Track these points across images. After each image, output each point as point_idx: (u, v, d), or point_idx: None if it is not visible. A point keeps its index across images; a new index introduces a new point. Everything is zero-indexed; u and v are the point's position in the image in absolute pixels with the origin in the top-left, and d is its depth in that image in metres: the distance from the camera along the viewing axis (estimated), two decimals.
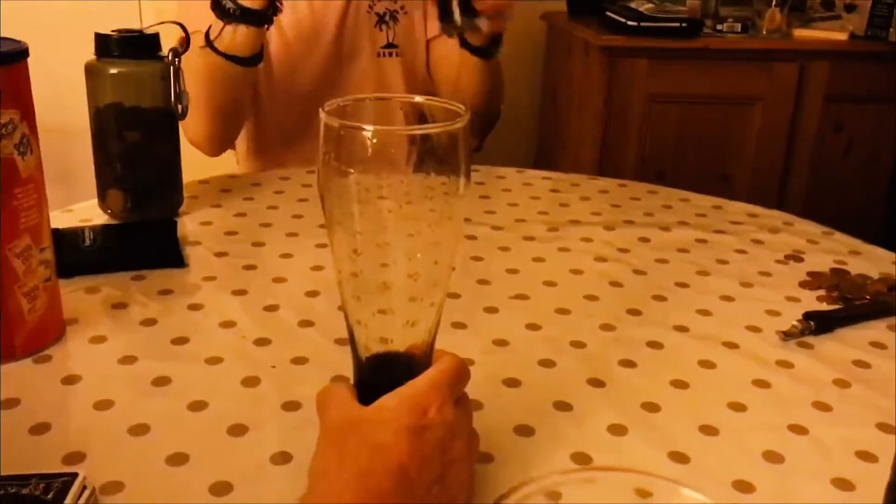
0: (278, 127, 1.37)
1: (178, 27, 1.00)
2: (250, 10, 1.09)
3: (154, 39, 0.97)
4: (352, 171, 0.47)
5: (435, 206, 0.50)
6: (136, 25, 0.98)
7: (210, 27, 1.13)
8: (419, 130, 0.47)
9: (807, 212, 1.30)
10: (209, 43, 1.12)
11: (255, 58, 1.15)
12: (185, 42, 0.99)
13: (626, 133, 2.13)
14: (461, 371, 0.52)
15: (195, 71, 1.12)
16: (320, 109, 0.47)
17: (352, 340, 0.53)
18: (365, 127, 0.46)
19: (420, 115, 0.53)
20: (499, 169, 1.25)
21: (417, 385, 0.50)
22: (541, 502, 0.28)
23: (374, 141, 0.46)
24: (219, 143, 1.31)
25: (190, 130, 1.23)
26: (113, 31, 0.95)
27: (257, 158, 1.40)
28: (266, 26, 1.12)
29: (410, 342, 0.53)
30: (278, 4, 1.11)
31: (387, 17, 1.34)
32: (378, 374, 0.53)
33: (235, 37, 1.11)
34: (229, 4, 1.08)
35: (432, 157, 0.49)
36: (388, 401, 0.49)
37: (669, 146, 2.15)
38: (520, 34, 2.47)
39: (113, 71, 0.95)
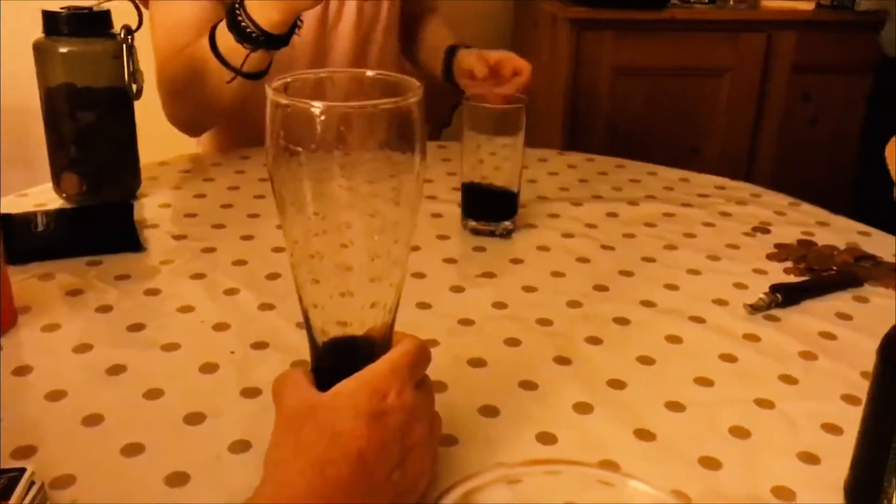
0: (256, 98, 1.28)
1: (130, 4, 0.97)
2: (274, 35, 0.98)
3: (104, 16, 0.94)
4: (301, 149, 0.45)
5: (392, 184, 0.49)
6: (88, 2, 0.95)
7: (214, 32, 1.02)
8: (370, 106, 0.45)
9: (775, 182, 1.29)
10: (229, 67, 1.01)
11: (264, 72, 1.05)
12: (139, 20, 0.96)
13: (595, 106, 2.12)
14: (421, 353, 0.51)
15: (193, 72, 1.06)
16: (266, 86, 0.45)
17: (308, 325, 0.51)
18: (313, 104, 0.44)
19: (376, 90, 0.51)
20: None
21: (376, 369, 0.49)
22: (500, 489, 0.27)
23: (323, 118, 0.44)
24: (204, 129, 1.27)
25: (175, 117, 1.17)
26: (62, 8, 0.92)
27: (223, 134, 1.35)
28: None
29: (369, 325, 0.51)
30: (298, 22, 1.01)
31: None
32: (336, 359, 0.51)
33: (252, 58, 1.01)
34: (252, 30, 0.97)
35: (386, 133, 0.47)
36: (346, 386, 0.48)
37: (638, 119, 2.15)
38: (486, 7, 2.44)
39: (63, 50, 0.91)
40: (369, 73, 0.50)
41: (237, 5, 0.98)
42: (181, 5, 1.12)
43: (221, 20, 1.01)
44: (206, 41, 1.02)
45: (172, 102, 1.14)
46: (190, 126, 1.21)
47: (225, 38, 1.00)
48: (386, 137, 0.47)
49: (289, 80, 0.47)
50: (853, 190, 1.95)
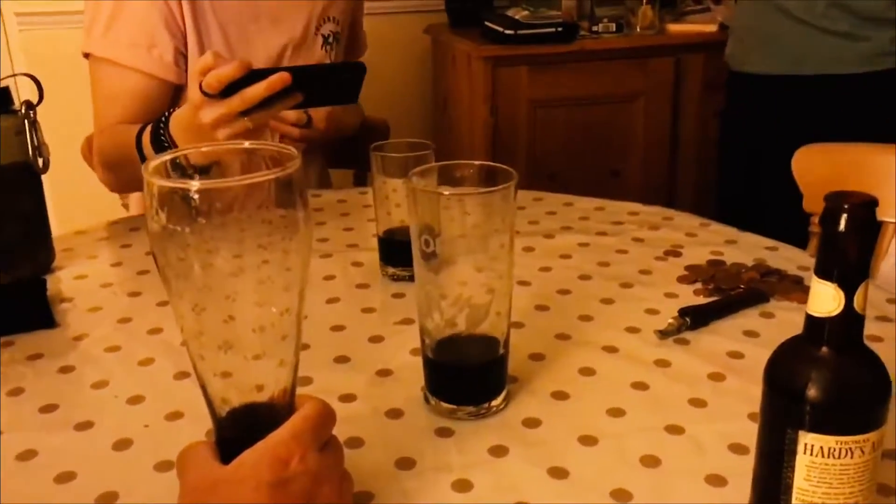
0: None
1: (30, 80, 0.97)
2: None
3: (4, 93, 0.93)
4: (181, 228, 0.46)
5: (283, 245, 0.49)
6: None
7: (142, 131, 1.08)
8: (247, 180, 0.46)
9: (698, 198, 1.30)
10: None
11: None
12: (39, 95, 0.96)
13: (515, 139, 2.15)
14: (324, 416, 0.52)
15: (125, 152, 1.11)
16: (143, 167, 0.46)
17: (206, 398, 0.51)
18: (190, 184, 0.45)
19: (258, 161, 0.52)
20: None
21: (278, 436, 0.49)
22: None
23: (198, 198, 0.44)
24: (134, 191, 1.33)
25: (105, 182, 1.24)
26: None
27: None
28: None
29: (272, 390, 0.52)
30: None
31: (330, 39, 1.33)
32: (239, 429, 0.51)
33: None
34: (167, 145, 1.05)
35: (268, 200, 0.48)
36: (248, 457, 0.48)
37: (558, 149, 2.19)
38: (405, 49, 2.48)
39: None
40: (247, 144, 0.51)
41: (162, 122, 1.05)
42: (124, 74, 1.17)
43: (149, 123, 1.08)
44: (134, 133, 1.08)
45: (103, 170, 1.21)
46: (120, 190, 1.29)
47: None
48: (268, 204, 0.48)
49: (168, 158, 0.48)
50: (718, 205, 1.93)
